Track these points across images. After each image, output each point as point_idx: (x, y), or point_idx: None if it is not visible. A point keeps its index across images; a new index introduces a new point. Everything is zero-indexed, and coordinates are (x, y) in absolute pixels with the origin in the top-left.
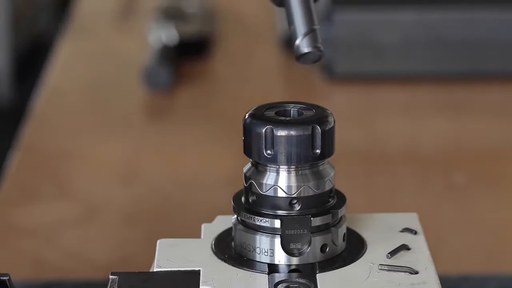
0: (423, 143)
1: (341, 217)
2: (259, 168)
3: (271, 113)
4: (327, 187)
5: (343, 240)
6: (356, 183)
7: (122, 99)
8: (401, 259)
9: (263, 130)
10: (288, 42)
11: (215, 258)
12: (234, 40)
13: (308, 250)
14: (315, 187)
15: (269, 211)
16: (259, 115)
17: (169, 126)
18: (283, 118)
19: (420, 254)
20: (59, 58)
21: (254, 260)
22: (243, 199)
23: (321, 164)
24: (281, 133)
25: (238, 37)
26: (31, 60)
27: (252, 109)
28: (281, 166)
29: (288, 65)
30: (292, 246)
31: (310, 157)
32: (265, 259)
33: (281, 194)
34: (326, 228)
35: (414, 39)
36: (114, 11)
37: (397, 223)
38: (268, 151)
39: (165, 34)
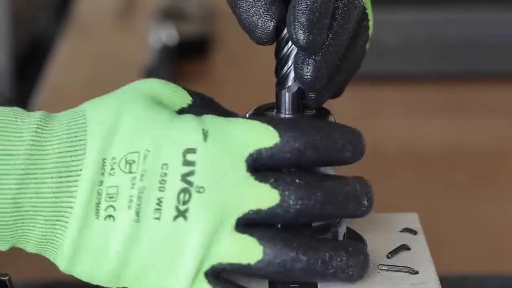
0: (423, 143)
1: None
2: None
3: (271, 113)
4: None
5: (343, 240)
6: None
7: None
8: (401, 259)
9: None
10: None
11: None
12: (234, 40)
13: None
14: None
15: None
16: (260, 115)
17: None
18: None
19: (420, 254)
20: (59, 58)
21: None
22: None
23: None
24: None
25: (238, 37)
26: (31, 59)
27: (253, 109)
28: None
29: None
30: None
31: None
32: None
33: None
34: (326, 228)
35: (414, 39)
36: (114, 11)
37: (397, 223)
38: None
39: (165, 34)
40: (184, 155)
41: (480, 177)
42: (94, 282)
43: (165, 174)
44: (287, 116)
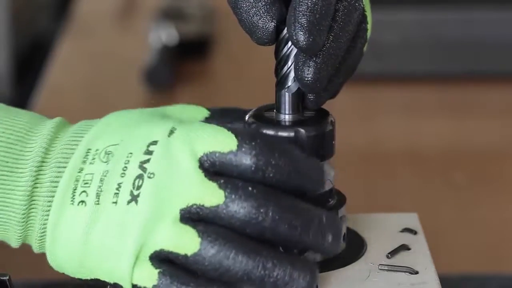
0: (423, 143)
1: (341, 217)
2: None
3: (271, 114)
4: (327, 187)
5: (343, 240)
6: (356, 183)
7: (122, 99)
8: (401, 259)
9: (263, 131)
10: None
11: None
12: (234, 40)
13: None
14: None
15: None
16: (260, 116)
17: None
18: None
19: (420, 254)
20: (59, 57)
21: None
22: None
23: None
24: (282, 134)
25: (238, 37)
26: (31, 59)
27: (253, 110)
28: None
29: None
30: None
31: None
32: None
33: None
34: None
35: (414, 39)
36: (114, 11)
37: (397, 223)
38: None
39: (165, 34)
40: (148, 145)
41: (480, 177)
42: (70, 273)
43: (128, 161)
44: (286, 116)
